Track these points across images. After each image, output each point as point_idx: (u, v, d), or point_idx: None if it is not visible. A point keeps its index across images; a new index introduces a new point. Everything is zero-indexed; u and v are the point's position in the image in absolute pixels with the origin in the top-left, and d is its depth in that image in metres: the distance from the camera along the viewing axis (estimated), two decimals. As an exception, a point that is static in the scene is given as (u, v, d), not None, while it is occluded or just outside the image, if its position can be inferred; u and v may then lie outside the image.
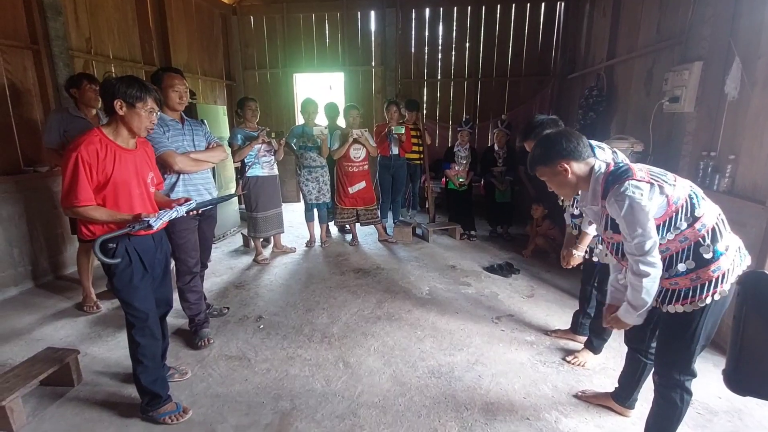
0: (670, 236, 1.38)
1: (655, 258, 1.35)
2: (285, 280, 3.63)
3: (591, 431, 1.84)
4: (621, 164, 1.46)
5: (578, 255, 2.16)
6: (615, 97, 4.08)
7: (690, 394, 1.55)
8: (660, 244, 1.37)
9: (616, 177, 1.39)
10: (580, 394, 2.07)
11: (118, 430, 1.89)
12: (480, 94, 6.33)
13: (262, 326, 2.81)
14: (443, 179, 5.02)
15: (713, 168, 2.58)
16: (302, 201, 4.50)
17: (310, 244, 4.56)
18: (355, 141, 4.18)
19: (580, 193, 1.55)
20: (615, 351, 2.43)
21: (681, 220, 1.37)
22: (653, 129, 3.08)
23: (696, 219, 1.37)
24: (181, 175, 2.44)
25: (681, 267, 1.41)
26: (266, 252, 4.24)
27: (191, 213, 1.99)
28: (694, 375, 1.54)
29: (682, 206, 1.36)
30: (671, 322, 1.49)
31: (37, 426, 1.91)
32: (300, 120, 4.64)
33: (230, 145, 3.74)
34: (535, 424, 1.89)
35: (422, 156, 4.98)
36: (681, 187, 1.39)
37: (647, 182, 1.34)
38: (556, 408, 1.99)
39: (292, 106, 6.72)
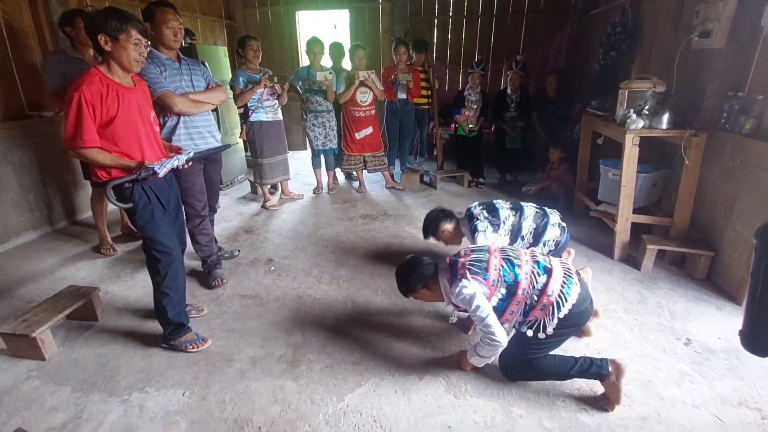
0: (511, 312, 1.71)
1: (498, 330, 1.69)
2: (293, 225, 3.69)
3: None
4: (452, 266, 1.78)
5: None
6: (640, 34, 3.80)
7: None
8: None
9: (452, 280, 1.75)
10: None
11: (142, 358, 2.02)
12: (494, 33, 5.95)
13: (272, 268, 2.90)
14: (452, 125, 4.88)
15: (739, 109, 2.46)
16: (308, 148, 4.44)
17: (317, 190, 4.56)
18: (362, 84, 4.02)
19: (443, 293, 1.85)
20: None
21: (502, 296, 1.69)
22: (678, 68, 2.90)
23: (514, 290, 1.67)
24: (182, 118, 2.39)
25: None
26: (274, 198, 4.27)
27: (189, 163, 2.00)
28: None
29: (497, 287, 1.69)
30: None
31: (67, 355, 2.06)
32: (304, 61, 4.44)
33: (232, 88, 3.63)
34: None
35: (431, 101, 4.81)
36: (493, 271, 1.68)
37: (465, 277, 1.69)
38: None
39: (295, 47, 6.42)
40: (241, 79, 3.56)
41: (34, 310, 2.12)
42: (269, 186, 4.17)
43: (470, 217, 2.40)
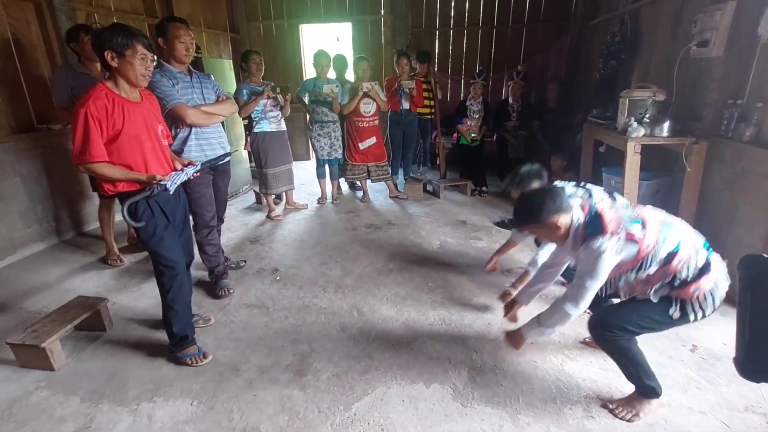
0: (642, 275, 1.53)
1: (587, 304, 1.56)
2: (298, 235, 3.71)
3: (596, 373, 1.92)
4: (594, 213, 1.54)
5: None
6: (639, 44, 3.86)
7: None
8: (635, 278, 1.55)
9: (592, 231, 1.50)
10: (587, 340, 2.14)
11: (150, 368, 2.04)
12: (495, 43, 6.03)
13: (278, 278, 2.92)
14: (455, 134, 4.93)
15: (739, 116, 2.48)
16: (313, 158, 4.48)
17: (321, 200, 4.60)
18: (365, 95, 4.08)
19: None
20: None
21: (651, 265, 1.50)
22: (677, 76, 2.94)
23: (668, 261, 1.48)
24: (193, 129, 2.44)
25: (654, 292, 1.55)
26: (279, 208, 4.31)
27: (196, 174, 2.04)
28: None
29: (652, 251, 1.48)
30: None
31: (76, 365, 2.07)
32: (309, 73, 4.51)
33: (236, 100, 3.69)
34: (542, 366, 1.98)
35: (433, 111, 4.86)
36: (651, 230, 1.48)
37: (617, 235, 1.46)
38: (562, 352, 2.07)
39: (298, 60, 6.52)
40: (244, 91, 3.63)
41: (43, 321, 2.14)
42: (274, 196, 4.21)
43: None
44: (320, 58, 4.05)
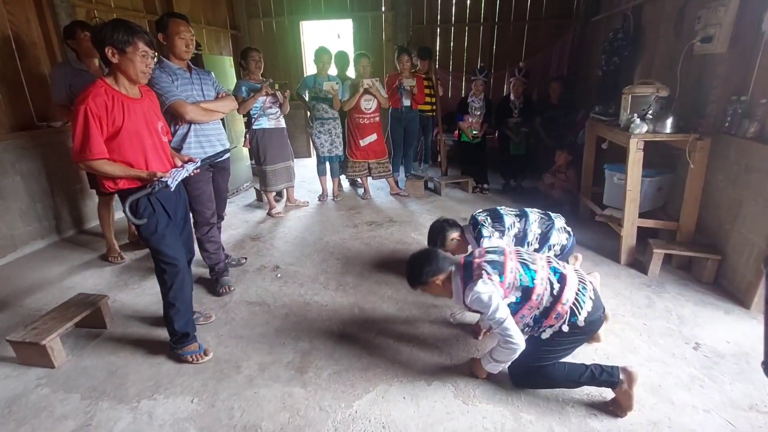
0: (523, 316, 1.69)
1: (519, 334, 1.67)
2: (299, 232, 3.70)
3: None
4: (466, 263, 1.76)
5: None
6: (641, 40, 3.83)
7: None
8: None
9: (466, 279, 1.72)
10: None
11: (151, 366, 2.03)
12: (496, 40, 6.00)
13: (279, 275, 2.91)
14: (456, 132, 4.90)
15: (743, 113, 2.46)
16: (313, 155, 4.47)
17: (322, 198, 4.58)
18: (366, 92, 4.06)
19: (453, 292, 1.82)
20: (626, 298, 2.47)
21: (514, 299, 1.67)
22: (681, 73, 2.91)
23: (528, 294, 1.65)
24: (193, 126, 2.42)
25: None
26: (279, 206, 4.29)
27: (196, 171, 2.03)
28: None
29: (510, 292, 1.66)
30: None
31: (76, 362, 2.07)
32: (309, 70, 4.50)
33: (234, 97, 3.68)
34: (544, 364, 1.97)
35: (435, 108, 4.84)
36: (509, 273, 1.66)
37: (481, 278, 1.66)
38: (564, 350, 2.06)
39: (299, 57, 6.50)
40: (243, 88, 3.62)
41: (44, 319, 2.13)
42: (274, 193, 4.20)
43: (475, 225, 2.39)
44: (321, 54, 4.03)
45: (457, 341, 2.16)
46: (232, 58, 5.25)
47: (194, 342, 2.06)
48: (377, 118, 4.33)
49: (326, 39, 6.52)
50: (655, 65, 3.55)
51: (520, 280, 1.66)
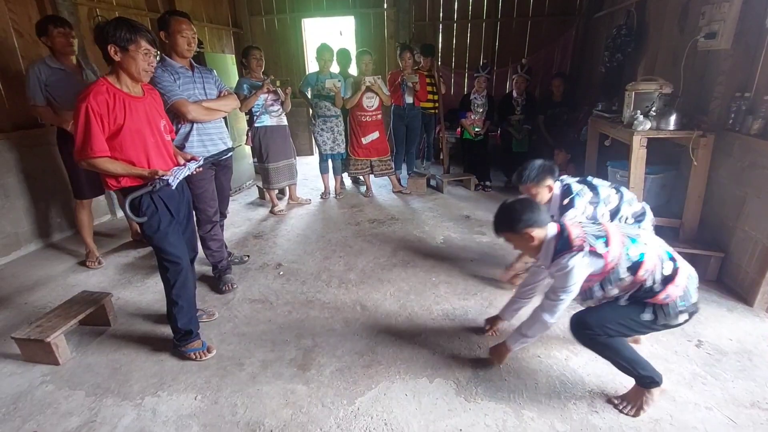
0: (610, 285, 1.59)
1: (561, 313, 1.65)
2: (301, 230, 3.71)
3: (600, 368, 1.91)
4: (564, 230, 1.63)
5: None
6: (645, 37, 3.81)
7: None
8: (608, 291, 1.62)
9: (561, 248, 1.59)
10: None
11: (154, 363, 2.05)
12: (499, 36, 5.98)
13: (281, 273, 2.92)
14: (458, 129, 4.89)
15: (746, 109, 2.45)
16: (316, 153, 4.47)
17: (324, 195, 4.59)
18: (368, 89, 4.05)
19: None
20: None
21: (618, 275, 1.56)
22: (684, 69, 2.90)
23: (634, 271, 1.54)
24: (195, 125, 2.43)
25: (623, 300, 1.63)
26: (282, 204, 4.30)
27: (199, 169, 2.03)
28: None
29: (617, 263, 1.54)
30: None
31: (80, 360, 2.09)
32: (312, 67, 4.49)
33: (237, 95, 3.69)
34: (546, 362, 1.98)
35: (437, 105, 4.83)
36: (615, 244, 1.54)
37: (582, 251, 1.54)
38: (566, 347, 2.06)
39: (301, 54, 6.48)
40: (245, 86, 3.62)
41: (48, 316, 2.15)
42: (277, 191, 4.20)
43: (566, 191, 2.11)
44: (323, 52, 4.02)
45: (460, 339, 2.16)
46: (234, 55, 5.25)
47: (197, 339, 2.07)
48: (379, 116, 4.32)
49: (328, 36, 6.51)
50: (659, 62, 3.53)
51: (628, 253, 1.53)
